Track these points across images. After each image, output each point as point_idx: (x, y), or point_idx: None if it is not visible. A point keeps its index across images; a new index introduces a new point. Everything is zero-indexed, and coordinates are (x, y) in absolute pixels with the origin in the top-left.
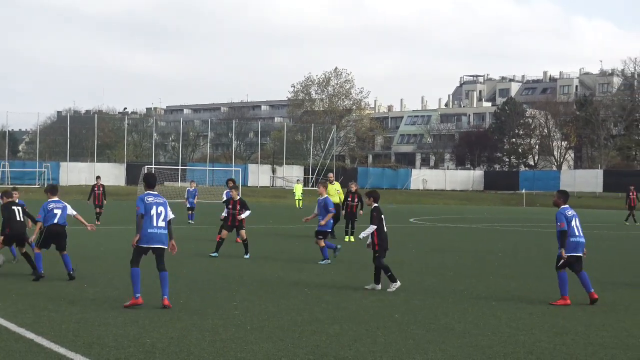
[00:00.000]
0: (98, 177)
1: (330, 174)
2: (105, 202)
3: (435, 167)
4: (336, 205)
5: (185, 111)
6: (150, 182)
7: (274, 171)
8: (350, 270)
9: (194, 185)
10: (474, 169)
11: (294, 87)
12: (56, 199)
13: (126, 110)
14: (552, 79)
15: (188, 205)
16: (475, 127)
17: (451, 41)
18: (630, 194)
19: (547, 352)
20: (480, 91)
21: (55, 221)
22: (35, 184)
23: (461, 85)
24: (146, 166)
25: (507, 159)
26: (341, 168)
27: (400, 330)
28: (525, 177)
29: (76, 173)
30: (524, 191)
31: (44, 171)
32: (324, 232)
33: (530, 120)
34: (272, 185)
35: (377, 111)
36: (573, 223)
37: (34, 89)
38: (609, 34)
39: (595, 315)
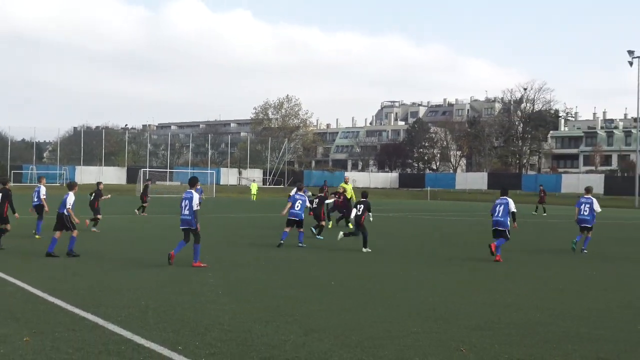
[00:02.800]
0: (149, 180)
1: (347, 176)
2: (149, 198)
3: (362, 170)
4: (350, 200)
5: (173, 127)
6: (190, 182)
7: (240, 173)
8: (306, 249)
9: (199, 185)
10: (392, 172)
11: (256, 109)
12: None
13: (127, 126)
14: (450, 104)
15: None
16: (392, 140)
17: (374, 74)
18: (541, 193)
19: (471, 313)
20: (396, 113)
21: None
22: (56, 183)
23: (382, 108)
24: (142, 169)
25: (416, 165)
26: (291, 171)
27: (340, 294)
28: (430, 178)
29: (88, 174)
30: (428, 189)
31: (63, 173)
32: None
33: (434, 135)
34: (238, 184)
35: (318, 128)
36: (497, 209)
37: (55, 110)
38: (488, 70)
39: (516, 285)
